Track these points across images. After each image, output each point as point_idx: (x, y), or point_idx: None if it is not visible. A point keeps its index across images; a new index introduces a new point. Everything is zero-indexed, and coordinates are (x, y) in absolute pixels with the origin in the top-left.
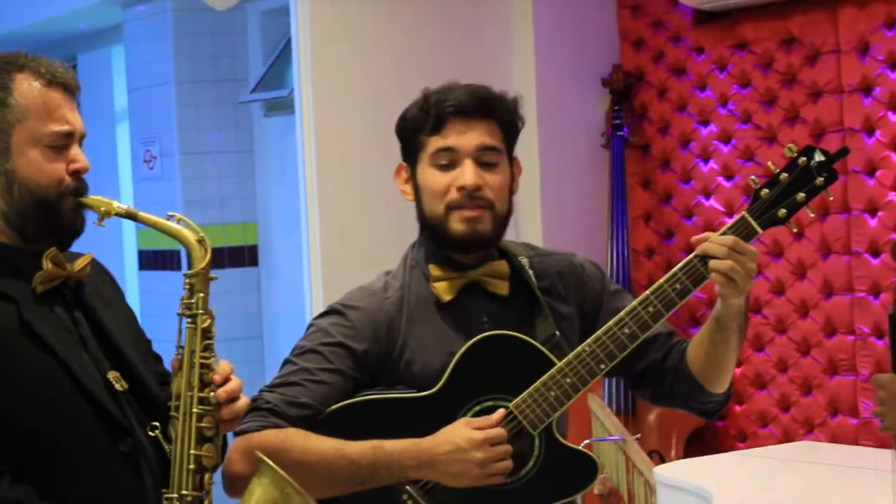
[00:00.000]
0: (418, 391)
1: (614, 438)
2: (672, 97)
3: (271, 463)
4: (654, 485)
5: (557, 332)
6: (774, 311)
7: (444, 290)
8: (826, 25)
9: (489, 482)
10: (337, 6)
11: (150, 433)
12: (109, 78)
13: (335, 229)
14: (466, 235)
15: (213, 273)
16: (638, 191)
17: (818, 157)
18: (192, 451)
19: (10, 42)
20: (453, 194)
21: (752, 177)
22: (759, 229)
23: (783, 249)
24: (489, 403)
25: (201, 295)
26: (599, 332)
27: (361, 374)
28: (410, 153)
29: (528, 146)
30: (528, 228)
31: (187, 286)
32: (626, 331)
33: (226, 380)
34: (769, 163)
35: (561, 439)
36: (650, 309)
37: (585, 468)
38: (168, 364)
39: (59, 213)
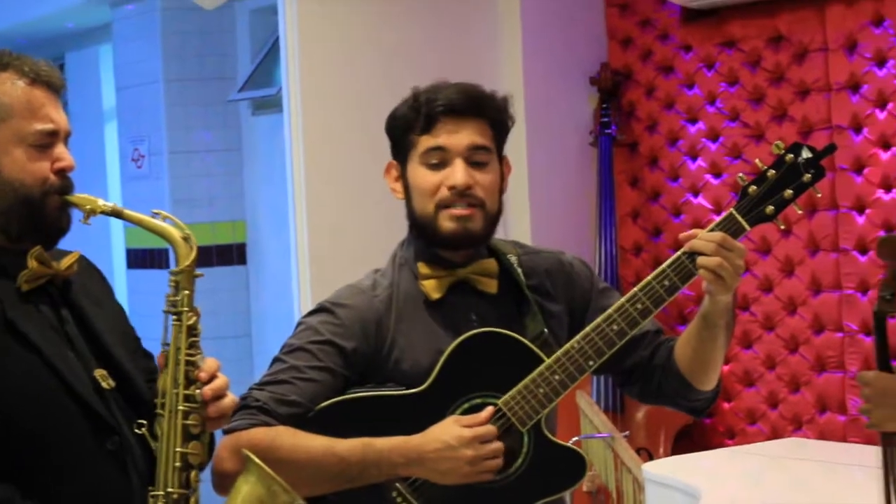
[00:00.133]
0: (408, 389)
1: (603, 436)
2: (660, 95)
3: (258, 460)
4: (643, 482)
5: (546, 330)
6: (762, 308)
7: (432, 288)
8: (814, 23)
9: (479, 479)
10: (325, 5)
11: (137, 431)
12: (97, 77)
13: (323, 227)
14: (457, 233)
15: (201, 271)
16: (626, 188)
17: (805, 153)
18: (177, 449)
19: None
20: (444, 193)
21: (740, 174)
22: (746, 226)
23: (771, 246)
24: (478, 401)
25: (186, 292)
26: (588, 328)
27: (351, 372)
28: (401, 152)
29: (516, 144)
30: (517, 226)
31: (173, 284)
32: (615, 327)
33: (212, 377)
34: (757, 160)
35: (550, 436)
36: (638, 306)
37: (574, 465)
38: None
39: (44, 212)
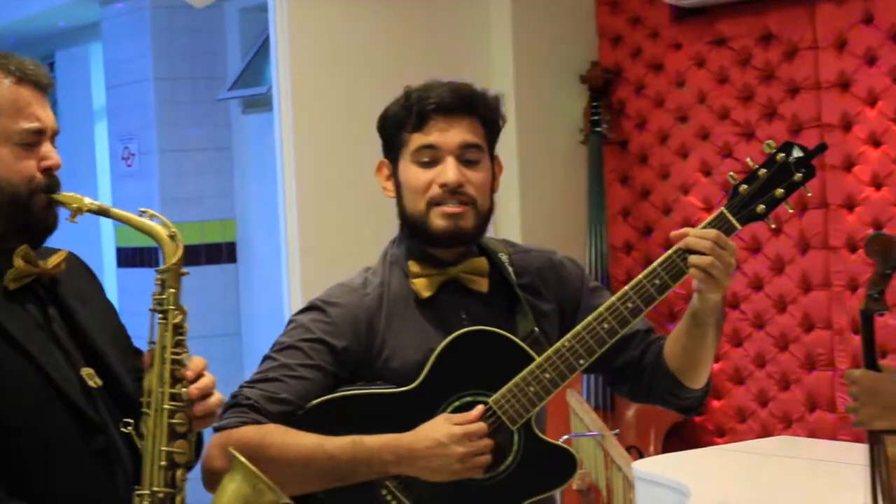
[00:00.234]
0: (398, 387)
1: (593, 434)
2: (650, 93)
3: (243, 459)
4: (633, 480)
5: (537, 329)
6: (752, 306)
7: (423, 286)
8: (804, 22)
9: (469, 476)
10: (315, 3)
11: (124, 430)
12: (88, 75)
13: (313, 226)
14: (448, 231)
15: (190, 269)
16: (616, 187)
17: (796, 153)
18: (163, 448)
19: None
20: (435, 191)
21: (731, 173)
22: (737, 225)
23: (761, 245)
24: (468, 399)
25: (172, 291)
26: (578, 327)
27: (341, 371)
28: (392, 150)
29: (506, 142)
30: (507, 224)
31: (159, 282)
32: (606, 326)
33: (199, 376)
34: (748, 159)
35: (540, 435)
36: (629, 304)
37: (564, 463)
38: None
39: (31, 211)
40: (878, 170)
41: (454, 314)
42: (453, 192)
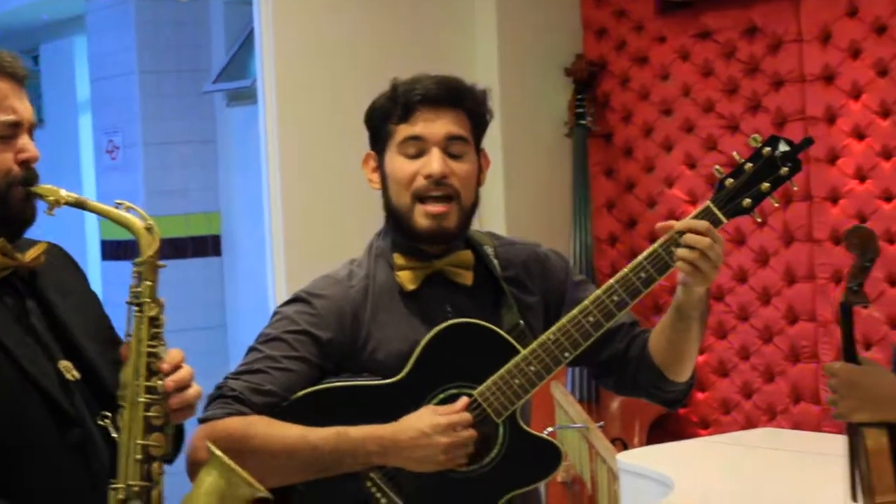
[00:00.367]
0: (383, 379)
1: (577, 426)
2: (635, 86)
3: (219, 453)
4: (617, 472)
5: (522, 322)
6: (737, 298)
7: (407, 279)
8: (788, 15)
9: (453, 466)
10: None
11: (100, 423)
12: (72, 68)
13: (298, 219)
14: (431, 231)
15: (175, 262)
16: (601, 179)
17: (783, 147)
18: (138, 441)
19: None
20: (420, 182)
21: (717, 166)
22: (723, 219)
23: (745, 237)
24: (453, 391)
25: (148, 283)
26: (564, 320)
27: (326, 362)
28: (378, 142)
29: (491, 135)
30: (492, 217)
31: (135, 274)
32: (591, 319)
33: (175, 368)
34: (734, 153)
35: (525, 427)
36: (615, 297)
37: (549, 456)
38: None
39: (9, 203)
40: (863, 163)
41: (439, 307)
42: (438, 183)
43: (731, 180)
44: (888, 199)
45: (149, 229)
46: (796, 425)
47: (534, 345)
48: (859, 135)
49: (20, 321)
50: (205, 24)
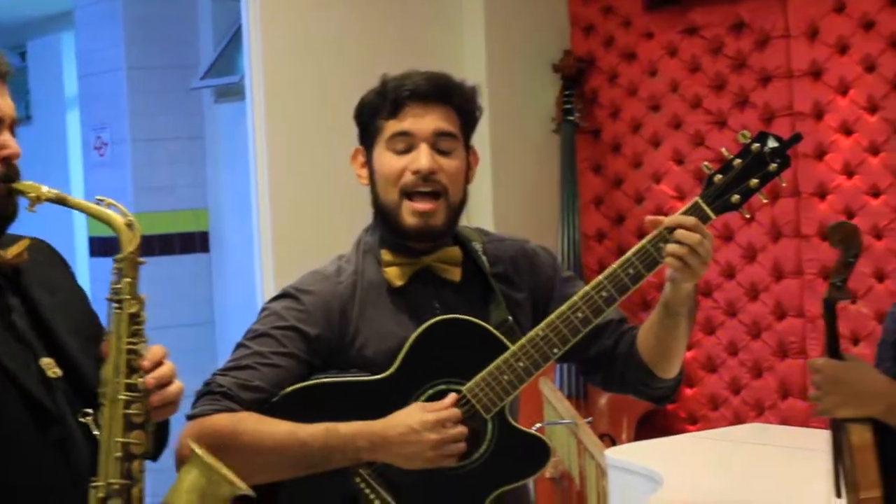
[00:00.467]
0: (372, 375)
1: (566, 422)
2: (623, 82)
3: (199, 450)
4: (606, 467)
5: (510, 318)
6: (725, 294)
7: (395, 275)
8: (776, 10)
9: (442, 463)
10: None
11: (81, 420)
12: (60, 64)
13: (286, 215)
14: (418, 229)
15: (163, 259)
16: (589, 175)
17: (771, 143)
18: (117, 439)
19: None
20: (408, 178)
21: (706, 162)
22: (712, 215)
23: (733, 233)
24: (442, 387)
25: (128, 280)
26: (552, 316)
27: (314, 358)
28: (367, 137)
29: (479, 131)
30: (480, 213)
31: (115, 271)
32: (580, 315)
33: (157, 365)
34: (723, 149)
35: (514, 423)
36: (603, 294)
37: (538, 452)
38: None
39: None
40: (850, 158)
41: (427, 303)
42: (426, 179)
43: (719, 176)
44: (876, 194)
45: (129, 225)
46: (784, 421)
47: (522, 341)
48: (847, 130)
49: (1, 318)
50: (193, 20)
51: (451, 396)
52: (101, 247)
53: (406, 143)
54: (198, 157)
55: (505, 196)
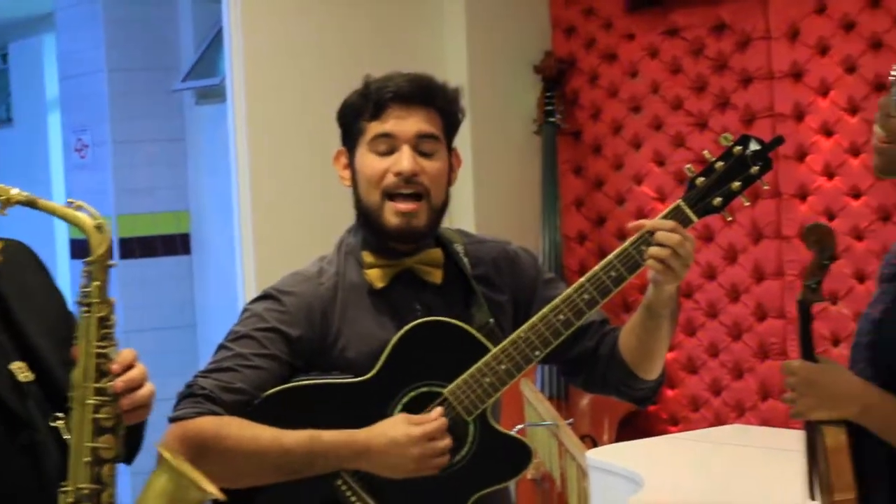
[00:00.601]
0: (354, 377)
1: (547, 424)
2: (603, 84)
3: (167, 454)
4: (587, 469)
5: (492, 320)
6: (706, 295)
7: (376, 277)
8: (756, 12)
9: (426, 474)
10: None
11: (52, 424)
12: (41, 66)
13: (267, 217)
14: (400, 229)
15: (144, 261)
16: (570, 177)
17: (753, 146)
18: (87, 444)
19: None
20: (390, 179)
21: (688, 165)
22: (694, 218)
23: (714, 234)
24: (424, 389)
25: (97, 283)
26: (534, 318)
27: (296, 360)
28: (349, 138)
29: (460, 132)
30: (461, 214)
31: (85, 274)
32: (561, 317)
33: (126, 368)
34: (705, 151)
35: (495, 425)
36: (585, 296)
37: (519, 454)
38: None
39: None
40: (831, 159)
41: (408, 305)
42: (408, 180)
43: (701, 179)
44: (856, 195)
45: (98, 228)
46: (765, 422)
47: (504, 343)
48: (827, 132)
49: None
50: (173, 22)
51: (437, 410)
52: (82, 249)
53: (388, 144)
54: (179, 159)
55: (486, 197)
